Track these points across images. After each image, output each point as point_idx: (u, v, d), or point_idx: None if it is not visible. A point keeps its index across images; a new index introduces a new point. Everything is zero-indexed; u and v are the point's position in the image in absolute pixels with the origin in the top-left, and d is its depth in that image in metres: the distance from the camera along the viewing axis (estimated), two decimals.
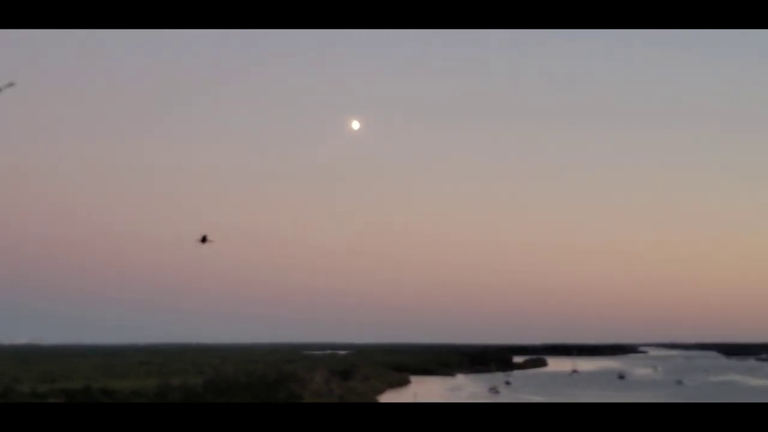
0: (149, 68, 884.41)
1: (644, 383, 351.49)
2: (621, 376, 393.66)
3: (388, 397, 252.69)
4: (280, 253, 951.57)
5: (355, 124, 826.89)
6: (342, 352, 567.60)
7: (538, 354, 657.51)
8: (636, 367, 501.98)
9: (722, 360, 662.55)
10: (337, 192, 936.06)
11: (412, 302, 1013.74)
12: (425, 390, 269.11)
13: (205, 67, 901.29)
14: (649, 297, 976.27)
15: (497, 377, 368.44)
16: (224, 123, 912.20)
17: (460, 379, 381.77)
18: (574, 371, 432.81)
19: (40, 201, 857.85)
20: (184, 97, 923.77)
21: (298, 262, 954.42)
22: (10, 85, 56.21)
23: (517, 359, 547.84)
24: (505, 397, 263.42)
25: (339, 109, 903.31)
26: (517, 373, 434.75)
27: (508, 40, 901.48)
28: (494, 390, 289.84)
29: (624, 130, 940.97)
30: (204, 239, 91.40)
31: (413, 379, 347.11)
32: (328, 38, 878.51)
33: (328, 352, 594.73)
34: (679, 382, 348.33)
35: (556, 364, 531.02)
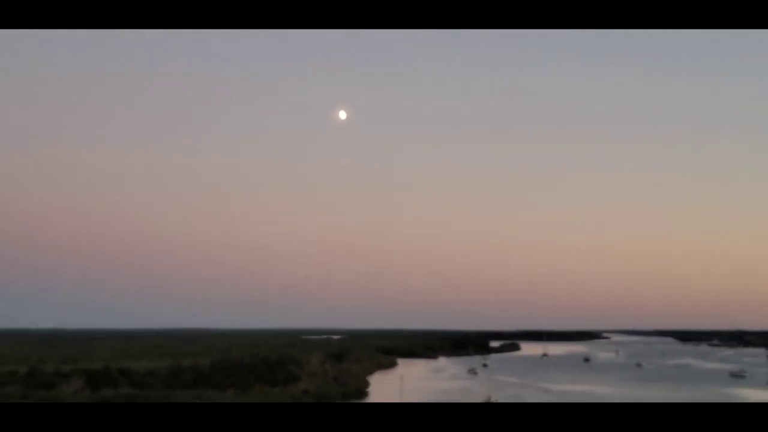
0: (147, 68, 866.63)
1: (607, 366, 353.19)
2: (586, 359, 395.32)
3: (378, 377, 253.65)
4: (281, 249, 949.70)
5: (342, 114, 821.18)
6: (336, 337, 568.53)
7: (512, 339, 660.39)
8: (600, 351, 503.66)
9: (678, 345, 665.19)
10: (331, 190, 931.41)
11: (399, 292, 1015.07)
12: (411, 371, 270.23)
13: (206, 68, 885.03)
14: (613, 288, 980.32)
15: (475, 360, 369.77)
16: (229, 123, 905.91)
17: (442, 361, 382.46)
18: (545, 355, 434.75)
19: (73, 200, 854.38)
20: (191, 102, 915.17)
21: (297, 257, 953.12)
22: None
23: (494, 344, 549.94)
24: (482, 377, 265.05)
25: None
26: (493, 356, 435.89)
27: (498, 40, 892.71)
28: (473, 371, 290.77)
29: (591, 139, 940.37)
30: None
31: (400, 361, 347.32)
32: (317, 38, 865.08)
33: (324, 337, 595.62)
34: (639, 365, 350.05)
35: (528, 349, 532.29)
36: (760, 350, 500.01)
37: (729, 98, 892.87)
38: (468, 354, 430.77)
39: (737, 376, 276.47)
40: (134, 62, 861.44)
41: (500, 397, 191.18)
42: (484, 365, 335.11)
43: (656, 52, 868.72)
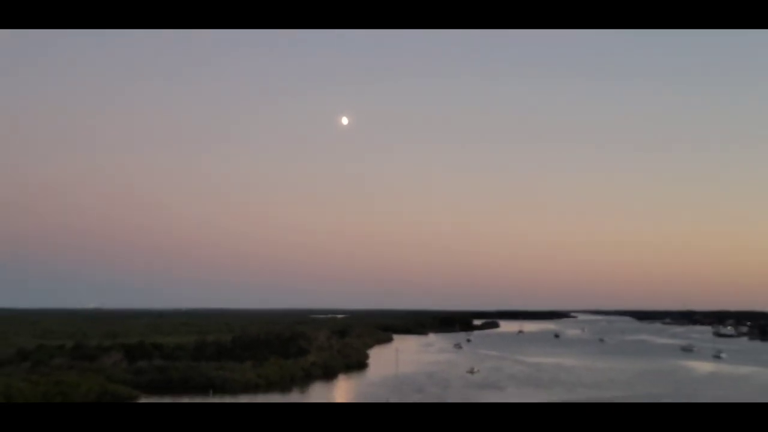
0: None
1: (574, 341, 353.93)
2: (556, 335, 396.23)
3: (376, 350, 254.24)
4: (294, 241, 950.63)
5: (344, 120, 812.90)
6: (340, 316, 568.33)
7: (492, 318, 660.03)
8: (568, 329, 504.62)
9: (635, 323, 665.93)
10: (335, 188, 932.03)
11: (396, 278, 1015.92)
12: (405, 345, 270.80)
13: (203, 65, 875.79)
14: (580, 274, 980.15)
15: (460, 336, 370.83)
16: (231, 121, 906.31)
17: (432, 337, 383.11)
18: (520, 331, 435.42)
19: (116, 199, 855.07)
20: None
21: (308, 248, 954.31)
22: None
23: (477, 322, 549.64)
24: (466, 351, 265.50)
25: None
26: (476, 332, 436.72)
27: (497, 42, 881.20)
28: (458, 345, 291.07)
29: (564, 146, 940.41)
30: None
31: (396, 337, 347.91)
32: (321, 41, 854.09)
33: (330, 316, 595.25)
34: (601, 340, 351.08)
35: (506, 326, 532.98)
36: (707, 328, 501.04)
37: (670, 104, 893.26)
38: (454, 331, 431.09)
39: (686, 350, 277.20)
40: (160, 76, 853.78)
41: (482, 367, 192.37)
42: (468, 340, 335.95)
43: (648, 54, 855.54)
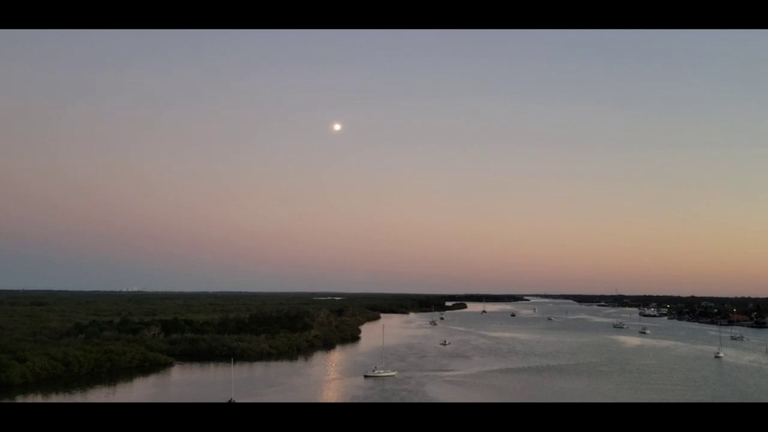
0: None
1: (527, 319, 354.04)
2: (513, 315, 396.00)
3: (367, 326, 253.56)
4: (300, 235, 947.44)
5: (336, 126, 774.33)
6: (338, 299, 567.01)
7: (461, 300, 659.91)
8: (522, 309, 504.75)
9: (576, 305, 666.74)
10: (331, 189, 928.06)
11: (383, 266, 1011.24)
12: (390, 322, 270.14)
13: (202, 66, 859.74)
14: (532, 264, 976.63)
15: (435, 315, 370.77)
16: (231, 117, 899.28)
17: (412, 315, 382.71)
18: (484, 311, 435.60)
19: (152, 197, 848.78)
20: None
21: (311, 241, 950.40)
22: None
23: (448, 303, 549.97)
24: (440, 327, 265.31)
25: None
26: (448, 312, 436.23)
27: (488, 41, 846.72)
28: (433, 323, 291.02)
29: (533, 151, 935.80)
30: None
31: (383, 315, 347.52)
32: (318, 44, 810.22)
33: (329, 298, 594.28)
34: (549, 319, 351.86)
35: (472, 307, 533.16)
36: (634, 309, 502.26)
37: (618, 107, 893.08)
38: (430, 311, 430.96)
39: (618, 327, 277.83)
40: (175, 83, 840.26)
41: (452, 340, 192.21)
42: (441, 318, 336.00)
43: (643, 52, 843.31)
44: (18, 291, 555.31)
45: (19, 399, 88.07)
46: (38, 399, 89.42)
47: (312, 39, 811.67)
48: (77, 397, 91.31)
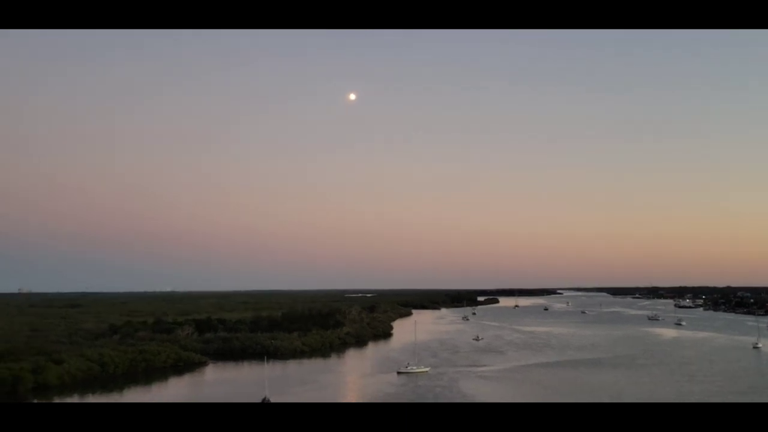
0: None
1: (560, 313, 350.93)
2: (545, 309, 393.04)
3: (399, 322, 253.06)
4: (336, 235, 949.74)
5: (352, 96, 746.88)
6: (369, 295, 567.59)
7: (493, 295, 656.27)
8: (555, 303, 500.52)
9: (610, 298, 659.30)
10: (362, 189, 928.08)
11: (414, 262, 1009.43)
12: (422, 318, 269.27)
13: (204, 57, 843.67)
14: (565, 257, 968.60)
15: (467, 310, 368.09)
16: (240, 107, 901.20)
17: (444, 311, 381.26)
18: (516, 306, 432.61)
19: (176, 201, 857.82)
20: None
21: (343, 242, 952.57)
22: None
23: (480, 298, 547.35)
24: (472, 322, 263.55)
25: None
26: (480, 307, 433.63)
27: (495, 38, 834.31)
28: (465, 318, 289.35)
29: (549, 146, 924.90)
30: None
31: (414, 311, 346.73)
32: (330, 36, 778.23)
33: (360, 295, 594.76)
34: (583, 312, 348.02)
35: (504, 302, 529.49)
36: (669, 301, 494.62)
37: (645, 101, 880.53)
38: (462, 306, 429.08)
39: (653, 319, 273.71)
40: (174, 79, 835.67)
41: (485, 335, 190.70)
42: (474, 313, 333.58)
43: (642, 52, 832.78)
44: (52, 293, 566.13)
45: (56, 400, 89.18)
46: (75, 400, 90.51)
47: (311, 38, 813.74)
48: (114, 398, 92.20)
